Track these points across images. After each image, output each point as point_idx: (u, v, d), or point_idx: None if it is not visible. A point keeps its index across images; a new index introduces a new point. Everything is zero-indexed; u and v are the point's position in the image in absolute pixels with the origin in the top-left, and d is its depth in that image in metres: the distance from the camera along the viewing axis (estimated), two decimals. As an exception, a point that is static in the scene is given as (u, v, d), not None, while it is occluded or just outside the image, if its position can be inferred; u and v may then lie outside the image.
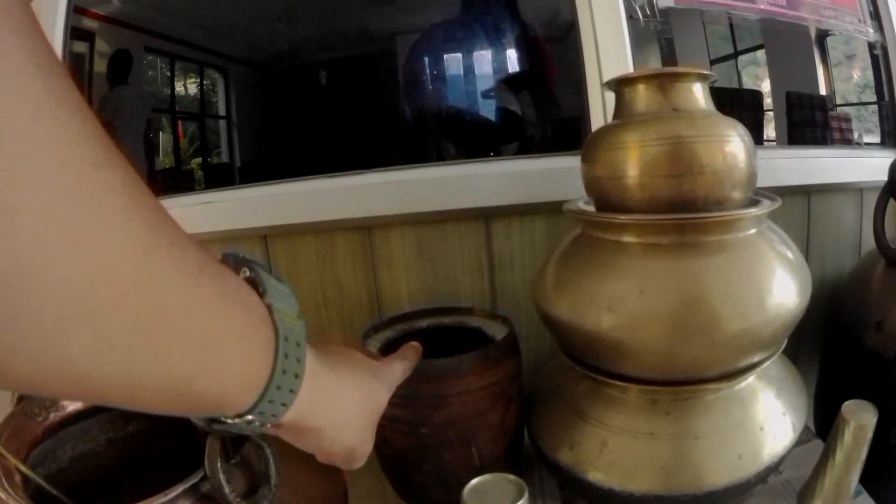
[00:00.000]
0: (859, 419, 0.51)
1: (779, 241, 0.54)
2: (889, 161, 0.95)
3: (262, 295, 0.29)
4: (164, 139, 1.19)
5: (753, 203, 0.55)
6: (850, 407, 0.53)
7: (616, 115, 0.56)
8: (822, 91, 1.18)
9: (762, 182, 0.78)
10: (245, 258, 0.31)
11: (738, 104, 1.12)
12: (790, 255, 0.53)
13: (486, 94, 0.85)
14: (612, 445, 0.51)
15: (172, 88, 1.22)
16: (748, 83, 1.05)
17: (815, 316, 0.92)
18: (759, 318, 0.48)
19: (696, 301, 0.47)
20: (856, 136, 1.43)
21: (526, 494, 0.43)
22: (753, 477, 0.51)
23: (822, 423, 0.83)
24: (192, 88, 1.23)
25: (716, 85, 0.97)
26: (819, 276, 0.94)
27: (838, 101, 1.45)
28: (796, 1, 0.94)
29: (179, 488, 0.44)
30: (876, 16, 1.05)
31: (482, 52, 0.91)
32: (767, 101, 1.06)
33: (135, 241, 0.21)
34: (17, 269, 0.17)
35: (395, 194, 0.78)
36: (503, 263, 0.80)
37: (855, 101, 1.54)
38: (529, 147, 0.89)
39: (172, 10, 1.19)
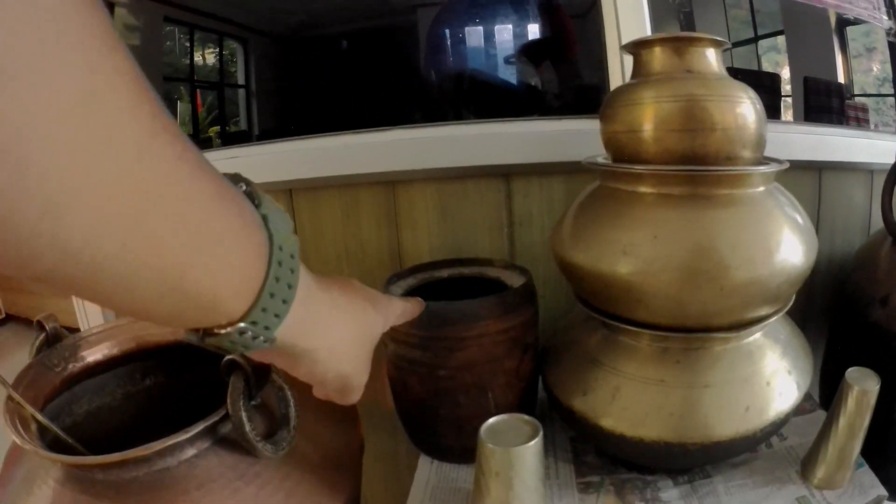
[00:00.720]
0: (863, 385, 0.54)
1: (788, 203, 0.57)
2: (889, 144, 0.98)
3: (257, 206, 0.31)
4: (181, 108, 1.23)
5: (763, 164, 0.58)
6: (853, 374, 0.56)
7: (633, 75, 0.58)
8: (841, 80, 1.20)
9: (774, 154, 0.81)
10: (242, 177, 0.32)
11: (755, 86, 1.15)
12: (798, 217, 0.56)
13: (507, 62, 0.88)
14: (624, 392, 0.54)
15: (192, 58, 1.25)
16: (768, 68, 1.07)
17: (823, 291, 0.95)
18: (765, 270, 0.51)
19: (706, 249, 0.49)
20: (872, 127, 1.45)
21: (541, 434, 0.46)
22: (760, 431, 0.53)
23: (828, 397, 0.87)
24: (211, 59, 1.27)
25: (735, 67, 1.00)
26: (828, 252, 0.96)
27: (857, 92, 1.47)
28: None
29: (200, 426, 0.47)
30: (890, 3, 1.08)
31: (505, 23, 0.94)
32: (787, 88, 1.09)
33: (141, 124, 0.22)
34: (29, 127, 0.18)
35: (417, 151, 0.81)
36: (522, 221, 0.83)
37: (873, 92, 1.56)
38: (552, 112, 0.92)
39: None
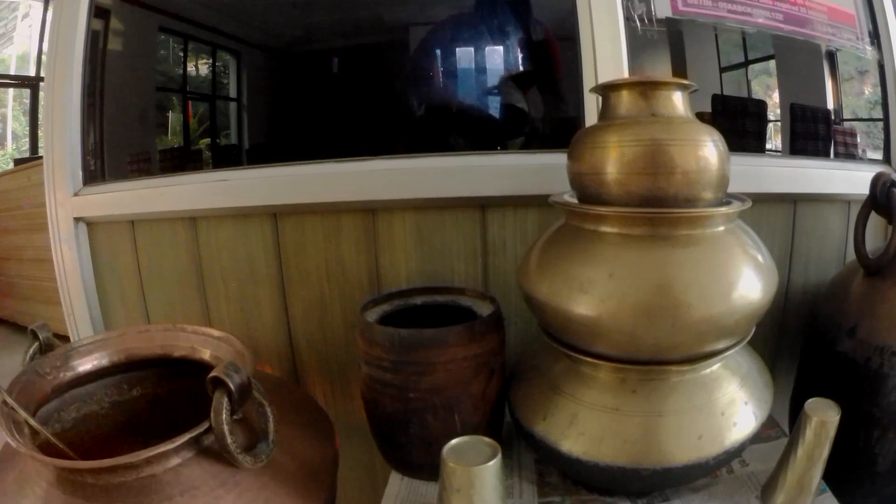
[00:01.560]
0: (821, 416, 0.59)
1: (750, 242, 0.62)
2: (869, 175, 1.04)
3: None
4: (173, 118, 1.27)
5: (725, 203, 0.63)
6: (813, 404, 0.60)
7: (601, 116, 0.63)
8: (830, 104, 1.26)
9: (748, 188, 0.85)
10: None
11: (742, 113, 1.20)
12: (759, 256, 0.61)
13: (493, 91, 0.93)
14: (581, 418, 0.59)
15: (185, 69, 1.29)
16: (759, 93, 1.13)
17: (797, 320, 0.99)
18: (721, 307, 0.55)
19: (661, 288, 0.54)
20: (860, 151, 1.51)
21: (499, 455, 0.51)
22: (712, 459, 0.58)
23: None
24: (204, 69, 1.31)
25: (723, 94, 1.05)
26: (802, 282, 1.02)
27: (847, 116, 1.53)
28: (794, 17, 1.02)
29: (185, 437, 0.53)
30: (875, 34, 1.13)
31: (492, 49, 0.99)
32: (777, 112, 1.14)
33: None
34: None
35: (397, 181, 0.87)
36: (496, 250, 0.88)
37: (865, 116, 1.63)
38: (532, 143, 0.97)
39: None
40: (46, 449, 0.63)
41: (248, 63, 1.18)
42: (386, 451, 0.70)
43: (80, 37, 1.11)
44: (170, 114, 1.26)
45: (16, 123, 5.14)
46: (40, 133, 4.81)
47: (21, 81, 5.01)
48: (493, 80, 0.98)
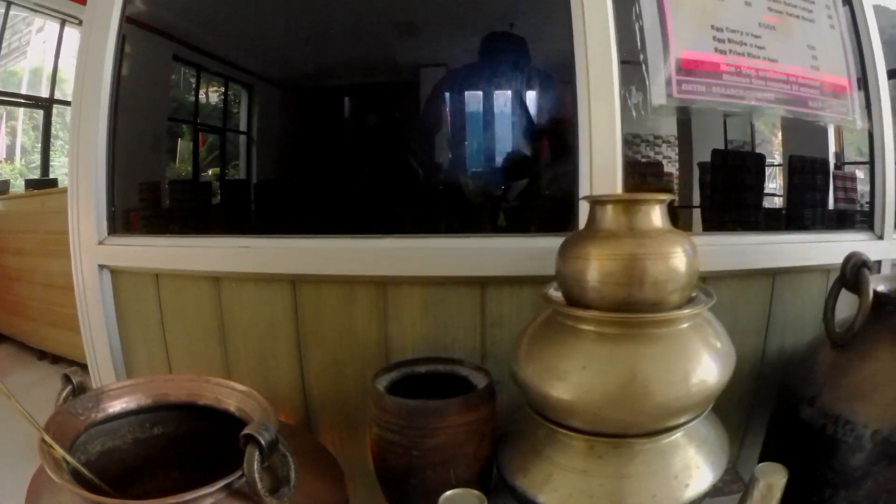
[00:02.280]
0: (769, 479, 0.72)
1: (712, 332, 0.76)
2: (858, 245, 1.13)
3: None
4: (182, 145, 1.40)
5: (692, 300, 0.78)
6: (762, 468, 0.72)
7: (588, 223, 0.78)
8: (832, 148, 1.39)
9: (729, 265, 1.01)
10: None
11: (740, 167, 1.33)
12: (718, 344, 0.75)
13: (499, 169, 1.11)
14: (555, 476, 0.73)
15: (196, 99, 1.42)
16: (764, 130, 1.26)
17: (769, 385, 1.12)
18: (679, 393, 0.70)
19: (626, 380, 0.68)
20: (859, 196, 1.65)
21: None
22: None
23: None
24: (215, 98, 1.43)
25: (719, 149, 1.17)
26: (777, 349, 1.16)
27: (851, 158, 1.66)
28: (785, 96, 1.15)
29: (221, 483, 0.67)
30: (867, 104, 1.26)
31: (501, 132, 1.15)
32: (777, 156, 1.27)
33: None
34: None
35: (406, 259, 1.01)
36: (494, 323, 1.02)
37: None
38: (532, 218, 1.13)
39: (204, 22, 1.38)
40: (77, 479, 0.76)
41: (260, 97, 1.30)
42: (391, 497, 0.84)
43: (106, 90, 1.24)
44: (180, 141, 1.38)
45: (25, 138, 5.31)
46: (52, 155, 5.00)
47: (35, 101, 5.18)
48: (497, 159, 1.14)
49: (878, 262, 1.24)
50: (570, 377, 0.70)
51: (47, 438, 0.71)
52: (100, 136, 1.21)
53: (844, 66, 1.24)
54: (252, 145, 1.29)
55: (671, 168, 1.15)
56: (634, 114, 0.99)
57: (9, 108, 5.23)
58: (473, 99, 1.10)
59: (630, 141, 1.06)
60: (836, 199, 1.33)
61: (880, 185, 1.24)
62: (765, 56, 1.12)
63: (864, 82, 1.25)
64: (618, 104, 0.99)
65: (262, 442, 0.67)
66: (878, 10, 1.89)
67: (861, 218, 1.29)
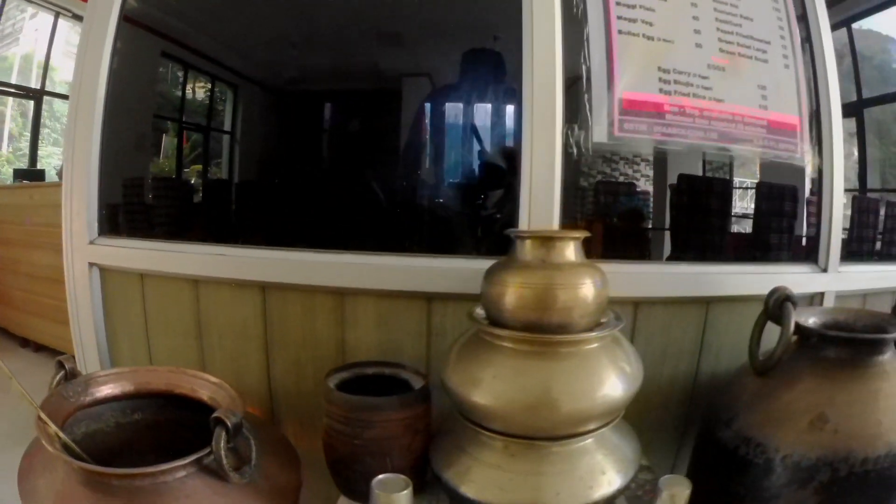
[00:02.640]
0: (671, 489, 0.89)
1: (621, 352, 0.95)
2: (796, 276, 1.33)
3: None
4: (167, 141, 1.56)
5: (601, 324, 0.97)
6: (666, 479, 0.89)
7: (509, 254, 0.97)
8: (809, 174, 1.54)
9: (662, 292, 1.19)
10: None
11: (705, 192, 1.51)
12: (625, 363, 0.94)
13: (452, 195, 1.31)
14: (473, 470, 0.92)
15: (182, 96, 1.58)
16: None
17: (700, 407, 1.30)
18: (585, 405, 0.88)
19: (537, 390, 0.87)
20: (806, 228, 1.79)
21: (410, 488, 0.84)
22: None
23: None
24: (200, 94, 1.57)
25: (687, 174, 1.36)
26: (710, 373, 1.34)
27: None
28: (729, 134, 1.32)
29: (192, 457, 0.86)
30: (818, 140, 1.43)
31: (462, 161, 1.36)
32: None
33: None
34: None
35: (362, 273, 1.21)
36: (437, 333, 1.22)
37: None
38: (479, 242, 1.33)
39: (192, 20, 1.56)
40: (67, 452, 0.94)
41: (244, 97, 1.48)
42: (337, 480, 1.04)
43: (101, 91, 1.43)
44: (164, 137, 1.55)
45: (13, 125, 5.56)
46: (40, 146, 5.27)
47: (27, 92, 5.46)
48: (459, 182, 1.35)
49: (822, 295, 1.42)
50: (488, 386, 0.89)
51: (43, 416, 0.90)
52: (94, 141, 1.42)
53: (796, 104, 1.41)
54: (234, 145, 1.49)
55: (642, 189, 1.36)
56: (575, 151, 1.19)
57: (-2, 95, 5.50)
58: (436, 127, 1.31)
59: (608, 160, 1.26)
60: (782, 232, 1.51)
61: (826, 220, 1.42)
62: (711, 96, 1.30)
63: (816, 119, 1.43)
64: (559, 140, 1.18)
65: (229, 424, 0.86)
66: (869, 34, 2.08)
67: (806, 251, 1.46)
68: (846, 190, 1.48)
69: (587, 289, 0.92)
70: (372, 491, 0.83)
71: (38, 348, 3.04)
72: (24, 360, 2.88)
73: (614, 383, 0.91)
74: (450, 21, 1.36)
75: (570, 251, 0.95)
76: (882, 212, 1.74)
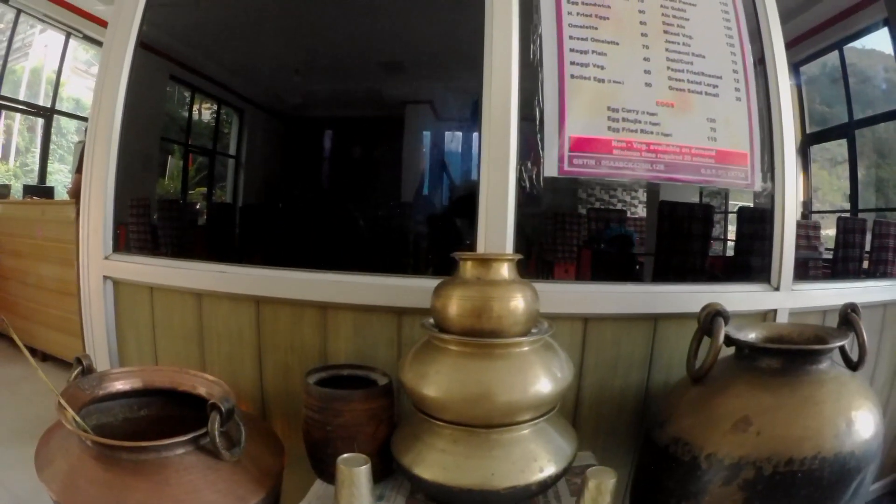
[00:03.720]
0: (597, 479, 1.08)
1: (553, 356, 1.23)
2: (748, 295, 1.58)
3: None
4: (172, 163, 1.86)
5: (531, 333, 1.26)
6: (592, 470, 1.10)
7: (454, 273, 1.25)
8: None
9: (612, 309, 1.47)
10: None
11: (689, 217, 1.82)
12: (555, 365, 1.22)
13: (422, 223, 1.63)
14: (424, 454, 1.18)
15: (189, 119, 1.88)
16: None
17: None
18: (517, 398, 1.16)
19: (475, 385, 1.15)
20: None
21: (369, 463, 1.14)
22: (502, 490, 1.14)
23: (635, 493, 1.50)
24: (207, 115, 1.85)
25: (670, 201, 1.66)
26: (662, 383, 1.60)
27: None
28: (676, 166, 1.58)
29: (190, 435, 1.14)
30: (770, 166, 1.69)
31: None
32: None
33: None
34: None
35: (341, 290, 1.52)
36: (407, 342, 1.50)
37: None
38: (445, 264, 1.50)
39: (200, 45, 1.87)
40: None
41: (249, 122, 1.76)
42: (314, 463, 1.33)
43: (118, 121, 1.74)
44: (170, 158, 1.85)
45: (20, 139, 6.03)
46: (50, 163, 5.75)
47: (38, 111, 5.93)
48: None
49: (774, 312, 1.68)
50: (435, 381, 1.18)
51: (62, 402, 1.16)
52: (110, 164, 1.74)
53: (747, 134, 1.68)
54: (239, 169, 1.82)
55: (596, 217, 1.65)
56: (527, 184, 1.50)
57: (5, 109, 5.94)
58: (409, 162, 1.64)
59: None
60: (737, 253, 1.79)
61: (778, 241, 1.69)
62: (659, 132, 1.58)
63: (769, 146, 1.70)
64: (513, 175, 1.47)
65: (223, 409, 1.14)
66: (873, 53, 2.37)
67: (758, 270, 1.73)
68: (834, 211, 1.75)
69: (517, 302, 1.20)
70: (337, 466, 1.11)
71: (45, 357, 3.38)
72: (29, 368, 3.21)
73: (543, 381, 1.18)
74: (415, 64, 1.69)
75: (504, 270, 1.24)
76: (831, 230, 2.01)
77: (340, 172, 1.72)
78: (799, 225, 1.81)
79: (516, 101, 1.49)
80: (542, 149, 1.49)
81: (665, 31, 1.62)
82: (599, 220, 1.73)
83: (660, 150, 1.57)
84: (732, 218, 1.87)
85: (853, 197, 2.27)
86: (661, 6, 1.62)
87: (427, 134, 1.66)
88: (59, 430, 1.23)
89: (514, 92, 1.49)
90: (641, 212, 1.77)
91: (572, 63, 1.53)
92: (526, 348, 1.22)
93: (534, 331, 1.26)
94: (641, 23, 1.60)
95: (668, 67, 1.61)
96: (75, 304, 1.84)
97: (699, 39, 1.67)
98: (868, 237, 2.17)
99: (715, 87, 1.67)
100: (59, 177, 6.06)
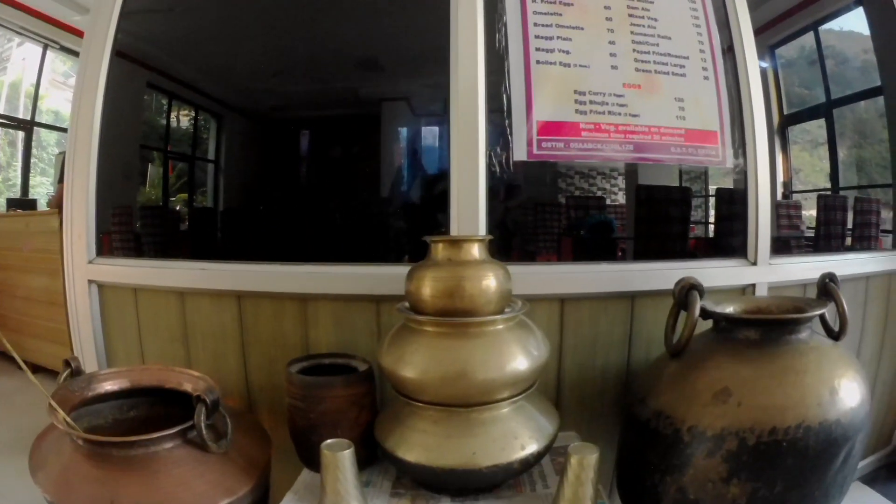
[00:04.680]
0: (580, 455, 1.14)
1: (528, 334, 1.27)
2: (725, 270, 1.62)
3: None
4: (152, 171, 1.90)
5: (504, 312, 1.31)
6: (575, 446, 1.17)
7: (427, 256, 1.29)
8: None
9: (589, 288, 1.52)
10: None
11: (667, 200, 1.87)
12: (531, 342, 1.26)
13: (395, 212, 1.69)
14: (405, 436, 1.22)
15: (168, 126, 1.92)
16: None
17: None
18: (494, 375, 1.19)
19: (453, 364, 1.18)
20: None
21: (352, 448, 1.19)
22: (484, 468, 1.18)
23: (620, 467, 1.54)
24: (185, 123, 1.89)
25: (647, 184, 1.71)
26: (643, 359, 1.64)
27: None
28: (646, 146, 1.63)
29: (177, 428, 1.18)
30: (742, 143, 1.73)
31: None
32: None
33: None
34: None
35: (321, 281, 1.56)
36: (386, 330, 1.44)
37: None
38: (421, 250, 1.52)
39: (176, 52, 1.91)
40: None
41: (228, 126, 1.81)
42: (299, 451, 1.37)
43: (97, 126, 1.79)
44: (150, 166, 1.90)
45: (1, 154, 6.05)
46: (32, 177, 5.82)
47: (17, 123, 5.98)
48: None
49: (753, 286, 1.73)
50: (412, 362, 1.21)
51: (53, 404, 1.20)
52: (91, 172, 1.78)
53: (716, 112, 1.74)
54: (219, 174, 1.87)
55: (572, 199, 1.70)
56: (497, 169, 1.55)
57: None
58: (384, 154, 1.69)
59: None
60: (716, 231, 1.84)
61: (753, 217, 1.73)
62: (627, 112, 1.63)
63: (739, 123, 1.74)
64: (482, 161, 1.52)
65: (208, 401, 1.19)
66: (851, 35, 2.42)
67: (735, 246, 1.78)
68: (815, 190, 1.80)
69: (489, 281, 1.24)
70: (321, 452, 1.16)
71: (36, 369, 3.40)
72: (22, 380, 3.21)
73: (520, 358, 1.22)
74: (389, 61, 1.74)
75: (475, 251, 1.28)
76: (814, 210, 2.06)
77: (318, 169, 1.76)
78: (780, 205, 1.88)
79: (483, 89, 1.53)
80: (511, 134, 1.53)
81: (630, 15, 1.67)
82: (578, 207, 1.77)
83: (629, 132, 1.62)
84: (713, 202, 1.92)
85: (833, 175, 2.31)
86: (626, -9, 1.66)
87: (402, 130, 1.71)
88: (51, 433, 1.27)
89: (480, 79, 1.53)
90: (621, 198, 1.81)
91: (538, 49, 1.57)
92: (500, 326, 1.26)
93: (507, 310, 1.29)
94: (606, 7, 1.65)
95: (634, 50, 1.66)
96: (64, 314, 1.88)
97: (664, 21, 1.71)
98: (849, 214, 2.21)
99: (682, 66, 1.71)
100: (42, 189, 6.12)
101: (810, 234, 2.11)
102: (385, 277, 1.55)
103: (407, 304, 1.32)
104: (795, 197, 2.13)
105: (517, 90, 1.55)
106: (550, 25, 1.59)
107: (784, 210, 2.03)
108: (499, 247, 1.47)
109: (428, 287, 1.25)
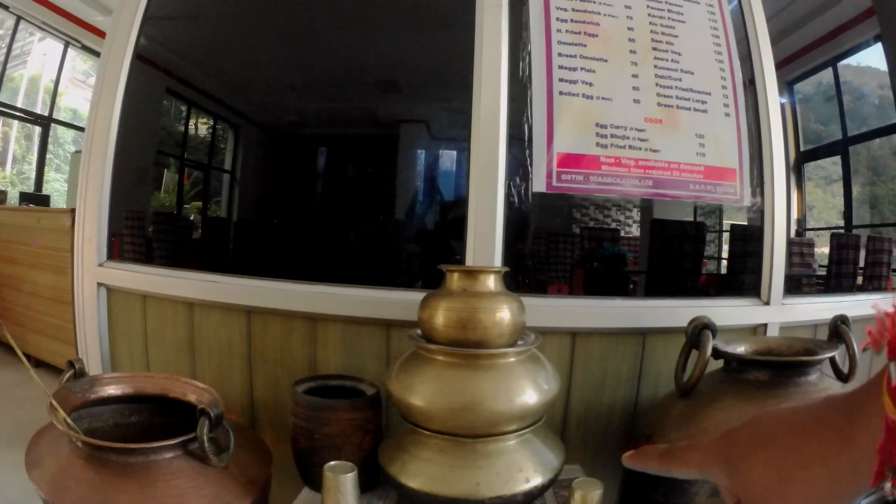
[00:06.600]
0: (583, 490, 1.15)
1: (538, 369, 1.28)
2: (738, 309, 1.61)
3: None
4: (168, 177, 1.92)
5: (517, 344, 1.31)
6: (579, 482, 1.16)
7: (441, 285, 1.30)
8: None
9: (601, 322, 1.51)
10: None
11: (680, 236, 1.86)
12: (541, 381, 1.27)
13: (411, 238, 1.69)
14: (409, 464, 1.22)
15: (185, 133, 1.94)
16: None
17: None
18: (503, 408, 1.19)
19: (461, 395, 1.18)
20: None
21: (355, 471, 1.18)
22: (488, 500, 1.19)
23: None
24: (203, 130, 1.91)
25: (662, 218, 1.71)
26: (651, 397, 1.64)
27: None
28: (664, 183, 1.62)
29: (179, 439, 1.17)
30: (760, 181, 1.73)
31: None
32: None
33: None
34: None
35: (331, 302, 1.56)
36: (395, 355, 1.51)
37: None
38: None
39: (197, 60, 1.93)
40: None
41: (245, 138, 1.81)
42: (301, 471, 1.37)
43: (114, 129, 1.80)
44: (165, 172, 1.90)
45: (17, 146, 6.15)
46: (46, 172, 5.86)
47: (35, 119, 6.02)
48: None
49: (765, 326, 1.72)
50: (422, 391, 1.22)
51: (54, 402, 1.19)
52: (106, 174, 1.79)
53: (736, 150, 1.74)
54: (234, 184, 1.87)
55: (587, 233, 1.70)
56: (516, 200, 1.55)
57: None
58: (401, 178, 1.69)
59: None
60: (729, 269, 1.83)
61: (768, 256, 1.72)
62: (647, 147, 1.63)
63: (758, 161, 1.74)
64: (501, 191, 1.52)
65: (212, 414, 1.18)
66: (868, 70, 2.42)
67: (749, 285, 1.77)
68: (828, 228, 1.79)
69: (503, 313, 1.24)
70: (324, 473, 1.15)
71: (38, 364, 3.42)
72: (21, 374, 3.23)
73: (529, 392, 1.21)
74: (409, 84, 1.75)
75: (491, 282, 1.28)
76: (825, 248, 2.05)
77: (333, 188, 1.77)
78: (793, 242, 1.85)
79: (505, 117, 1.53)
80: (531, 165, 1.54)
81: (654, 49, 1.66)
82: (592, 238, 1.76)
83: (648, 167, 1.61)
84: (727, 238, 1.91)
85: (847, 213, 2.30)
86: (651, 24, 1.67)
87: (420, 153, 1.71)
88: (49, 431, 1.27)
89: (502, 107, 1.53)
90: (635, 231, 1.79)
91: (561, 80, 1.57)
92: (512, 359, 1.26)
93: (520, 343, 1.29)
94: (630, 40, 1.64)
95: (657, 84, 1.66)
96: (69, 312, 1.90)
97: (688, 56, 1.71)
98: (861, 253, 2.19)
99: (703, 103, 1.71)
100: (56, 185, 6.17)
101: (822, 272, 2.09)
102: (397, 302, 1.54)
103: (419, 332, 1.31)
104: (808, 234, 2.12)
105: (538, 120, 1.55)
106: (574, 56, 1.59)
107: (797, 248, 2.02)
108: (512, 276, 1.47)
109: (441, 316, 1.25)
